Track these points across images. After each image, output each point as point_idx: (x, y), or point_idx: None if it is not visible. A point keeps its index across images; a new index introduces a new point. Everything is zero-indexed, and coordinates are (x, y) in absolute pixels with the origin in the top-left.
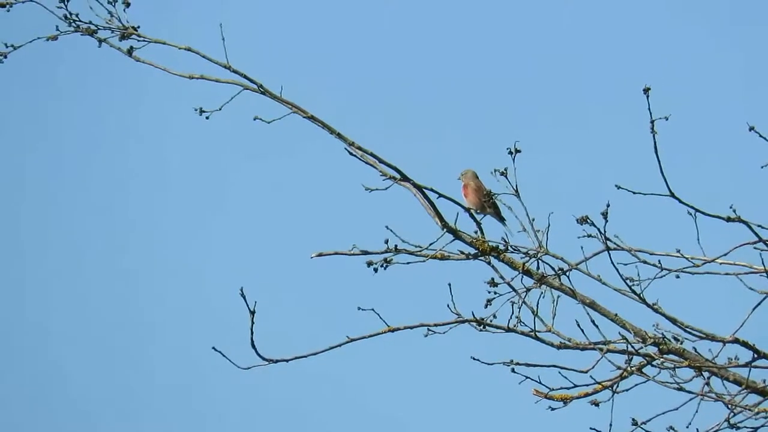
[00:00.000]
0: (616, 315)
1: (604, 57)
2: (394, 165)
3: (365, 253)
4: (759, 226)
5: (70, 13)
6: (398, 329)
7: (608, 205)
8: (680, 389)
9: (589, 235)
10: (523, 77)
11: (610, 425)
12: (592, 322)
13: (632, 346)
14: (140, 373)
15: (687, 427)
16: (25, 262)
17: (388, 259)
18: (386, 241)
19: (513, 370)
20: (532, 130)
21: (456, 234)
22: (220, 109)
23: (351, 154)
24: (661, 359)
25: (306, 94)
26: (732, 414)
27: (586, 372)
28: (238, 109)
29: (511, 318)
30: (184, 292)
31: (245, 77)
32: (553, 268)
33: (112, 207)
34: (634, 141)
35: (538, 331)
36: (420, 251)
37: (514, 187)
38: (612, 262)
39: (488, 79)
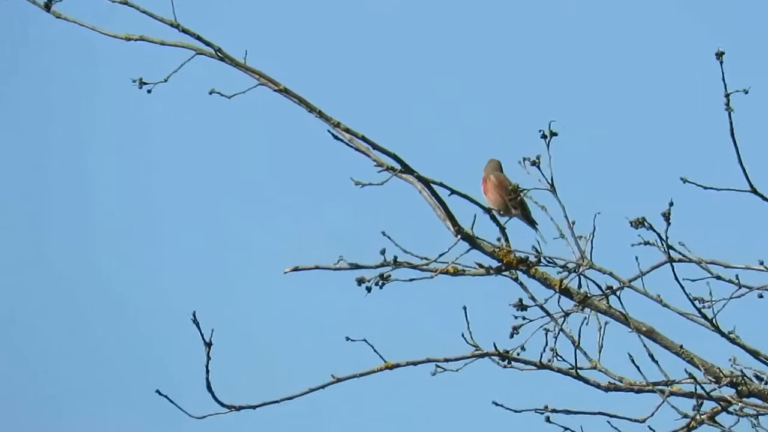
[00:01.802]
0: (681, 347)
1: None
2: (392, 152)
3: (355, 267)
4: None
5: None
6: (398, 366)
7: (671, 204)
8: None
9: (647, 242)
10: (553, 53)
11: None
12: (650, 356)
13: (702, 388)
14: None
15: None
16: None
17: (384, 275)
18: (382, 252)
19: (548, 419)
20: (568, 111)
21: (473, 242)
22: (165, 80)
23: (336, 137)
24: (740, 404)
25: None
26: None
27: (643, 421)
28: (193, 79)
29: (544, 351)
30: (125, 315)
31: (198, 38)
32: (599, 286)
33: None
34: (701, 121)
35: (581, 368)
36: (426, 264)
37: (549, 181)
38: (676, 278)
39: (515, 53)
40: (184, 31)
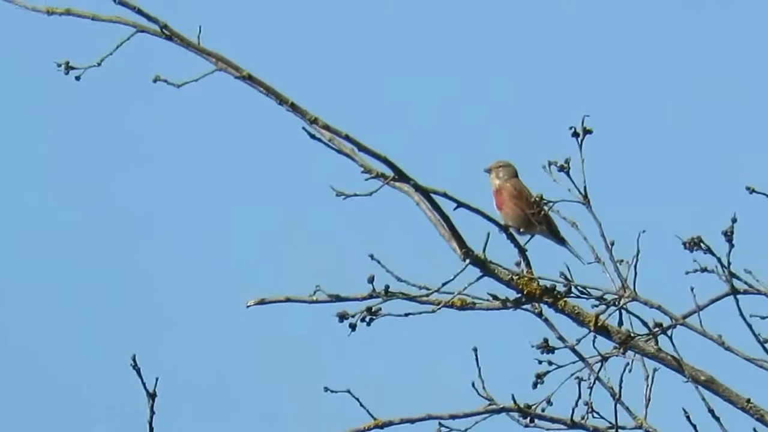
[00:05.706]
0: (748, 401)
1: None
2: (383, 155)
3: (336, 299)
4: None
5: None
6: (391, 423)
7: (734, 220)
8: None
9: (704, 269)
10: (585, 46)
11: None
12: (711, 411)
13: None
14: None
15: None
16: None
17: (373, 309)
18: (371, 279)
19: None
20: (603, 108)
21: (485, 267)
22: (98, 65)
23: (312, 136)
24: None
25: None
26: None
27: None
28: (137, 63)
29: (577, 405)
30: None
31: (139, 12)
32: (645, 323)
33: None
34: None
35: (622, 428)
36: (426, 295)
37: (582, 191)
38: (741, 314)
39: (534, 44)
40: (122, 2)
